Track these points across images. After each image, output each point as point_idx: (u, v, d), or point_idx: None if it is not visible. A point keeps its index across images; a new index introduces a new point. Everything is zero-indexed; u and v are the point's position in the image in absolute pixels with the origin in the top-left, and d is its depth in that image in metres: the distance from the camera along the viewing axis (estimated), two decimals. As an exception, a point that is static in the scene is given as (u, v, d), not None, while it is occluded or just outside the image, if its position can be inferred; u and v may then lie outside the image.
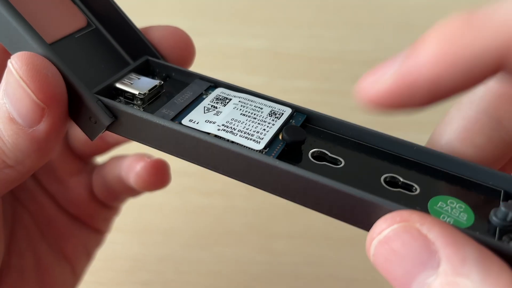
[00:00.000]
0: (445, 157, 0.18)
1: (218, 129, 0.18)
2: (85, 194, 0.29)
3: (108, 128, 0.19)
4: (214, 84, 0.21)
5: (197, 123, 0.19)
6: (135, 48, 0.22)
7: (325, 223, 0.40)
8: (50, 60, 0.18)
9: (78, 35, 0.21)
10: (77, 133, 0.29)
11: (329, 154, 0.18)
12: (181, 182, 0.44)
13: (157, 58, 0.22)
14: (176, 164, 0.43)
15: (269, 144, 0.18)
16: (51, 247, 0.28)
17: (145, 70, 0.22)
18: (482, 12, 0.14)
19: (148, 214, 0.41)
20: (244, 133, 0.18)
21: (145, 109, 0.19)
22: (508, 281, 0.13)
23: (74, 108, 0.19)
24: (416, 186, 0.17)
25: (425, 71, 0.14)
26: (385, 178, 0.18)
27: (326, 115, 0.19)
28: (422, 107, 0.15)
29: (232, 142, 0.18)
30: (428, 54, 0.14)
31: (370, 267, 0.38)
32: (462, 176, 0.18)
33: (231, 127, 0.18)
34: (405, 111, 0.15)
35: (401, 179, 0.18)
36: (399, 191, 0.17)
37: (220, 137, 0.18)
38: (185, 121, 0.19)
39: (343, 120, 0.19)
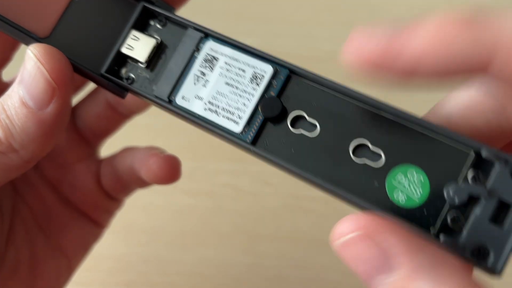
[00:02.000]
0: (420, 121, 0.18)
1: (205, 109, 0.21)
2: (92, 182, 0.30)
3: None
4: (205, 34, 0.22)
5: (188, 101, 0.21)
6: None
7: (311, 226, 0.40)
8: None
9: (72, 5, 0.23)
10: (88, 111, 0.29)
11: (307, 117, 0.19)
12: (167, 181, 0.43)
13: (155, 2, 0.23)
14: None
15: (249, 121, 0.20)
16: (48, 240, 0.28)
17: (144, 19, 0.23)
18: (483, 16, 0.15)
19: (133, 213, 0.41)
20: (227, 111, 0.20)
21: (151, 70, 0.22)
22: (457, 283, 0.14)
23: (97, 83, 0.23)
24: (382, 154, 0.18)
25: (414, 45, 0.15)
26: (354, 147, 0.19)
27: (307, 70, 0.20)
28: (399, 80, 0.16)
29: (215, 124, 0.20)
30: (424, 32, 0.15)
31: (356, 271, 0.38)
32: (432, 139, 0.18)
33: (216, 105, 0.21)
34: (383, 80, 0.16)
35: (370, 146, 0.18)
36: (364, 163, 0.18)
37: (206, 119, 0.21)
38: (178, 98, 0.21)
39: (324, 77, 0.20)
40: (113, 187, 0.30)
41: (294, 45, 0.54)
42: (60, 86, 0.20)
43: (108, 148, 0.32)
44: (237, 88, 0.21)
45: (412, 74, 0.15)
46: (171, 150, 0.43)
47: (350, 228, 0.15)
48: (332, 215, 0.40)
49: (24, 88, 0.20)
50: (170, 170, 0.28)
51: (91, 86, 0.30)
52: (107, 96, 0.29)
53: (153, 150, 0.28)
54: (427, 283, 0.14)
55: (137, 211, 0.41)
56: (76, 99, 0.31)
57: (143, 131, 0.31)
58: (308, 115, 0.20)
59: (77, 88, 0.30)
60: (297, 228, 0.40)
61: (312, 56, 0.53)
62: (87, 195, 0.30)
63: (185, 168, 0.45)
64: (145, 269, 0.38)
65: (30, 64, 0.20)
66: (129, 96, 0.26)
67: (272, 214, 0.41)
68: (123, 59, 0.23)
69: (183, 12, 0.48)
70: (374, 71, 0.16)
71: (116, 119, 0.30)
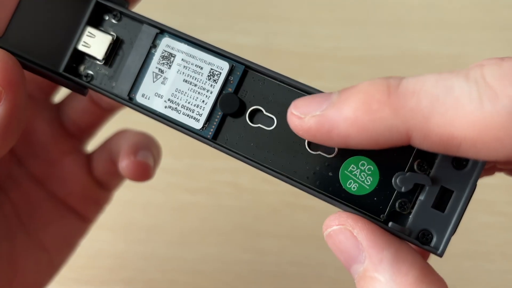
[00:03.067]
0: None
1: (165, 106, 0.21)
2: (81, 173, 0.30)
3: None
4: (160, 30, 0.22)
5: (148, 99, 0.22)
6: None
7: (310, 223, 0.40)
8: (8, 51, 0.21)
9: (23, 3, 0.22)
10: (72, 107, 0.30)
11: (264, 112, 0.20)
12: (167, 179, 0.43)
13: None
14: (162, 161, 0.43)
15: (209, 117, 0.21)
16: (28, 235, 0.28)
17: (99, 14, 0.23)
18: (401, 90, 0.16)
19: (132, 211, 0.41)
20: (187, 108, 0.21)
21: (110, 66, 0.22)
22: (413, 279, 0.16)
23: (57, 83, 0.23)
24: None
25: (340, 127, 0.17)
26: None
27: (262, 66, 0.21)
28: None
29: (177, 122, 0.21)
30: (346, 114, 0.16)
31: (355, 268, 0.38)
32: None
33: (176, 102, 0.21)
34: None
35: None
36: (319, 154, 0.20)
37: (168, 117, 0.21)
38: (138, 96, 0.22)
39: (279, 73, 0.21)
40: (107, 171, 0.30)
41: (293, 43, 0.54)
42: (7, 88, 0.20)
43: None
44: (195, 85, 0.21)
45: (346, 146, 0.17)
46: (170, 147, 0.44)
47: (334, 222, 0.18)
48: (331, 212, 0.40)
49: None
50: (140, 174, 0.29)
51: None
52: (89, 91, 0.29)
53: (131, 150, 0.29)
54: (386, 276, 0.17)
55: (137, 208, 0.41)
56: (60, 96, 0.31)
57: (143, 128, 0.32)
58: (265, 110, 0.21)
59: (56, 85, 0.30)
60: (297, 225, 0.40)
61: (311, 54, 0.53)
62: (76, 187, 0.30)
63: (184, 165, 0.45)
64: (144, 266, 0.38)
65: None
66: None
67: (272, 211, 0.41)
68: (80, 56, 0.23)
69: (182, 12, 0.48)
70: (315, 141, 0.18)
71: (99, 113, 0.30)
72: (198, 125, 0.21)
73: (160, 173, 0.44)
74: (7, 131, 0.21)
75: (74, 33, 0.22)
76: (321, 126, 0.17)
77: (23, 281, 0.28)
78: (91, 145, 0.32)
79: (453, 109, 0.15)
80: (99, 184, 0.31)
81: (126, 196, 0.36)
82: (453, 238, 0.18)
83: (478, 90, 0.15)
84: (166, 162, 0.45)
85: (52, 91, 0.30)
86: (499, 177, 0.41)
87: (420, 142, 0.16)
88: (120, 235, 0.40)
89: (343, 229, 0.18)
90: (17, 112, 0.21)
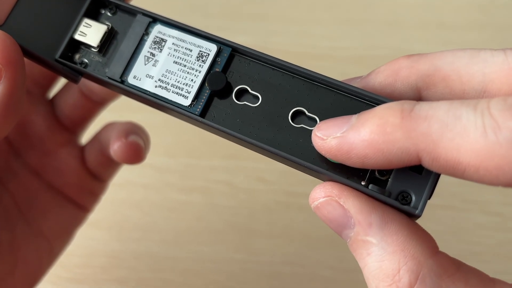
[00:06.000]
0: (350, 87, 0.21)
1: (155, 86, 0.22)
2: (75, 164, 0.31)
3: (84, 77, 0.24)
4: (153, 19, 0.24)
5: (140, 80, 0.23)
6: None
7: (305, 222, 0.40)
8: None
9: None
10: (64, 101, 0.31)
11: (250, 90, 0.22)
12: (161, 178, 0.43)
13: None
14: (157, 160, 0.43)
15: (197, 95, 0.22)
16: (29, 224, 0.29)
17: (95, 8, 0.24)
18: (413, 114, 0.17)
19: (126, 209, 0.41)
20: (176, 87, 0.22)
21: (104, 55, 0.23)
22: (401, 239, 0.18)
23: (51, 69, 0.24)
24: (317, 119, 0.21)
25: (358, 148, 0.18)
26: (293, 113, 0.21)
27: (247, 47, 0.22)
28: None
29: (166, 99, 0.22)
30: (363, 137, 0.18)
31: (349, 267, 0.38)
32: (360, 102, 0.21)
33: (166, 82, 0.22)
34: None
35: (306, 112, 0.21)
36: (301, 127, 0.21)
37: (158, 96, 0.22)
38: (130, 78, 0.23)
39: (264, 54, 0.22)
40: (99, 162, 0.31)
41: (290, 42, 0.54)
42: (6, 67, 0.21)
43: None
44: (185, 66, 0.22)
45: (364, 166, 0.18)
46: (165, 147, 0.43)
47: (320, 194, 0.19)
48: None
49: None
50: (131, 154, 0.30)
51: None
52: (80, 86, 0.30)
53: (122, 132, 0.30)
54: (377, 237, 0.18)
55: (130, 207, 0.41)
56: (54, 91, 0.32)
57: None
58: (251, 88, 0.22)
59: (53, 78, 0.31)
60: (291, 225, 0.40)
61: (308, 54, 0.52)
62: (72, 178, 0.31)
63: (179, 164, 0.45)
64: (137, 265, 0.38)
65: None
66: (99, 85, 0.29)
67: (266, 210, 0.40)
68: (76, 46, 0.24)
69: (180, 11, 0.48)
70: (337, 160, 0.19)
71: (90, 107, 0.31)
72: (186, 102, 0.22)
73: (154, 172, 0.45)
74: (7, 109, 0.22)
75: (71, 24, 0.24)
76: (341, 147, 0.18)
77: (25, 269, 0.29)
78: (86, 138, 0.33)
79: (460, 136, 0.16)
80: (93, 175, 0.32)
81: (120, 194, 0.36)
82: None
83: (483, 121, 0.16)
84: (160, 161, 0.45)
85: (48, 86, 0.31)
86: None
87: (429, 165, 0.17)
88: (113, 234, 0.40)
89: (329, 200, 0.19)
90: (18, 91, 0.22)
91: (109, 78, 0.23)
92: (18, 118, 0.24)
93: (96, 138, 0.32)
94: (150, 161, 0.37)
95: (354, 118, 0.19)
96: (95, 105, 0.31)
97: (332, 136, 0.19)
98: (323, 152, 0.19)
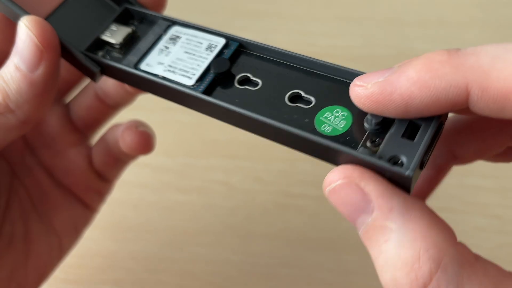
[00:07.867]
0: (342, 69, 0.22)
1: (164, 70, 0.24)
2: (84, 164, 0.32)
3: (102, 73, 0.26)
4: (172, 22, 0.26)
5: (151, 66, 0.24)
6: None
7: (303, 224, 0.39)
8: None
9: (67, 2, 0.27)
10: (79, 103, 0.32)
11: (252, 77, 0.23)
12: (159, 177, 0.43)
13: (135, 4, 0.27)
14: (154, 160, 0.43)
15: (201, 78, 0.23)
16: (41, 219, 0.31)
17: (125, 17, 0.27)
18: (461, 52, 0.17)
19: (123, 209, 0.41)
20: (183, 70, 0.24)
21: (124, 53, 0.25)
22: (423, 226, 0.17)
23: (75, 64, 0.25)
24: (313, 99, 0.22)
25: (402, 87, 0.17)
26: (290, 95, 0.22)
27: (254, 41, 0.24)
28: (395, 117, 0.19)
29: (171, 80, 0.23)
30: (409, 75, 0.17)
31: (346, 270, 0.37)
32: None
33: (174, 67, 0.24)
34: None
35: (303, 94, 0.22)
36: (297, 106, 0.22)
37: (165, 78, 0.24)
38: (143, 65, 0.25)
39: (267, 45, 0.24)
40: (105, 162, 0.33)
41: (289, 40, 0.53)
42: (47, 49, 0.23)
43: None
44: (194, 54, 0.24)
45: (406, 110, 0.18)
46: (164, 146, 0.43)
47: (338, 177, 0.18)
48: (323, 213, 0.40)
49: (17, 55, 0.23)
50: (142, 143, 0.31)
51: (83, 84, 0.32)
52: (96, 89, 0.32)
53: (131, 124, 0.31)
54: (398, 222, 0.17)
55: (127, 207, 0.41)
56: (70, 96, 0.32)
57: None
58: (252, 75, 0.23)
59: (72, 85, 0.32)
60: (289, 226, 0.39)
61: (308, 52, 0.52)
62: (80, 177, 0.32)
63: (177, 164, 0.45)
64: (134, 266, 0.38)
65: (22, 32, 0.23)
66: (115, 89, 0.31)
67: (264, 211, 0.40)
68: (101, 44, 0.26)
69: (179, 8, 0.48)
70: (376, 108, 0.19)
71: (104, 110, 0.32)
72: (190, 82, 0.23)
73: (152, 172, 0.44)
74: (48, 90, 0.24)
75: (101, 27, 0.26)
76: (384, 89, 0.18)
77: (37, 261, 0.30)
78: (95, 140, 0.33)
79: None
80: (99, 175, 0.33)
81: (117, 194, 0.36)
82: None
83: None
84: (158, 161, 0.44)
85: (66, 92, 0.32)
86: (493, 180, 0.41)
87: (478, 98, 0.17)
88: (109, 234, 0.39)
89: (348, 183, 0.18)
90: (56, 74, 0.24)
91: (124, 65, 0.24)
92: (51, 104, 0.25)
93: (102, 139, 0.33)
94: (147, 161, 0.37)
95: (395, 66, 0.18)
96: (108, 109, 0.32)
97: (374, 82, 0.18)
98: (362, 100, 0.18)
